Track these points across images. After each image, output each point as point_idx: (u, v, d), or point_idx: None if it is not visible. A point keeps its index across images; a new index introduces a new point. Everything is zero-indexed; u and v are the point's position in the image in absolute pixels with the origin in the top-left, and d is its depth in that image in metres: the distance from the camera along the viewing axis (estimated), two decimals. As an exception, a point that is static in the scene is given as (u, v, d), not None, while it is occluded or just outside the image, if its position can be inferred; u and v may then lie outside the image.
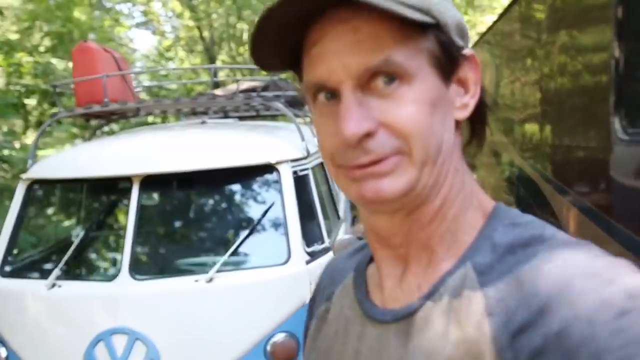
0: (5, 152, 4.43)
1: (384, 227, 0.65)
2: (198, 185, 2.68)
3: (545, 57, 3.45)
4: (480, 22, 15.28)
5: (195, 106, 3.47)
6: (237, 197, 2.73)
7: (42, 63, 8.10)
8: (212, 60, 12.18)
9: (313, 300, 0.83)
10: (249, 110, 4.17)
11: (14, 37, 8.92)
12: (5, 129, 7.07)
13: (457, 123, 0.64)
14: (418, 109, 0.57)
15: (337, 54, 0.57)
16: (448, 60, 0.60)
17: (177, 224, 2.69)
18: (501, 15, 5.01)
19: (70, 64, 9.21)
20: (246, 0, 10.43)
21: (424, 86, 0.58)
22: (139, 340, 2.31)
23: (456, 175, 0.63)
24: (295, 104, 3.84)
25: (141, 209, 2.54)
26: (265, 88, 4.20)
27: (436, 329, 0.58)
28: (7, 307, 2.58)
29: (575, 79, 2.85)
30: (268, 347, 2.39)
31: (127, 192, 2.59)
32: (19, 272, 2.72)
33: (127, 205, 2.54)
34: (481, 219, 0.63)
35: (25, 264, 2.81)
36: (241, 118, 4.39)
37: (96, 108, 3.00)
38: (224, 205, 2.72)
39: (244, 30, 12.15)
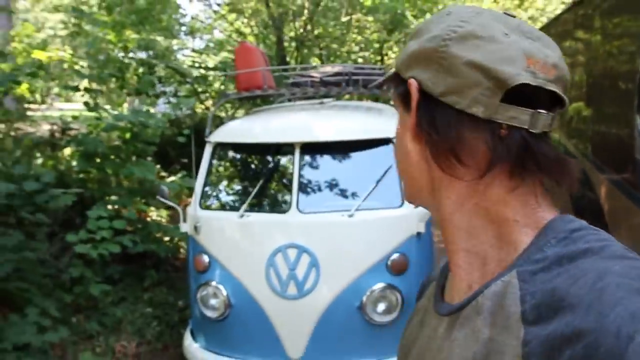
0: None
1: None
2: (340, 150, 3.80)
3: (591, 57, 4.36)
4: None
5: (328, 92, 4.54)
6: (367, 159, 3.85)
7: (146, 39, 9.31)
8: (279, 33, 13.18)
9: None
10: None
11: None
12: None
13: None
14: None
15: None
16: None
17: (327, 176, 3.81)
18: (563, 12, 5.85)
19: (173, 41, 10.32)
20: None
21: None
22: (305, 252, 3.49)
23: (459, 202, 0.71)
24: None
25: (301, 165, 3.71)
26: (355, 73, 5.20)
27: (472, 327, 0.65)
28: (208, 229, 3.79)
29: (612, 82, 3.82)
30: (388, 262, 3.54)
31: (290, 153, 3.76)
32: (213, 206, 3.93)
33: (292, 162, 3.72)
34: (535, 230, 0.67)
35: (217, 202, 4.02)
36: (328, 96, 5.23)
37: (257, 92, 4.17)
38: (358, 165, 3.86)
39: (310, 8, 13.07)
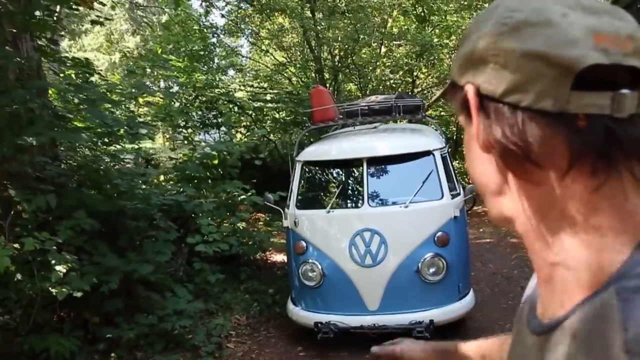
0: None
1: None
2: (395, 161, 5.30)
3: None
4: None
5: (380, 120, 6.07)
6: (415, 167, 5.33)
7: (210, 79, 11.05)
8: (319, 64, 14.78)
9: None
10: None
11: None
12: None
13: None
14: None
15: None
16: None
17: (387, 180, 5.32)
18: None
19: (223, 77, 12.07)
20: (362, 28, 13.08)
21: None
22: (376, 234, 4.98)
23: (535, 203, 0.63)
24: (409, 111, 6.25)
25: (368, 173, 5.22)
26: (398, 98, 6.68)
27: (565, 353, 0.57)
28: (303, 223, 5.32)
29: None
30: (435, 238, 4.99)
31: (360, 165, 5.29)
32: (305, 206, 5.47)
33: (361, 171, 5.24)
34: (635, 238, 0.58)
35: (308, 202, 5.56)
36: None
37: (330, 123, 5.73)
38: (408, 170, 5.35)
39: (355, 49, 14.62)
